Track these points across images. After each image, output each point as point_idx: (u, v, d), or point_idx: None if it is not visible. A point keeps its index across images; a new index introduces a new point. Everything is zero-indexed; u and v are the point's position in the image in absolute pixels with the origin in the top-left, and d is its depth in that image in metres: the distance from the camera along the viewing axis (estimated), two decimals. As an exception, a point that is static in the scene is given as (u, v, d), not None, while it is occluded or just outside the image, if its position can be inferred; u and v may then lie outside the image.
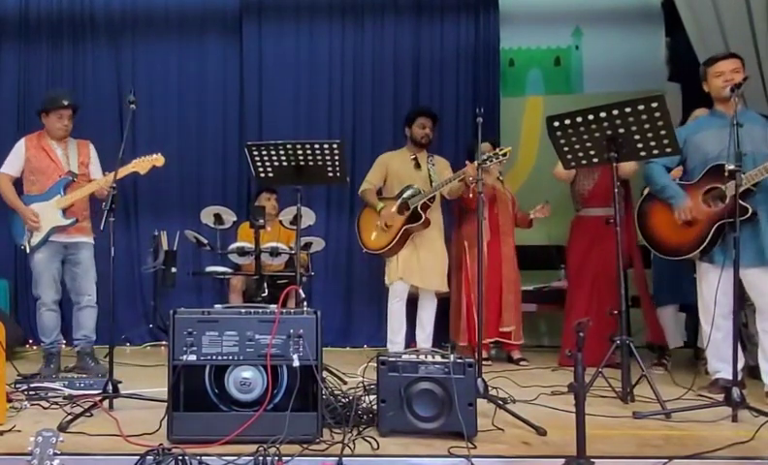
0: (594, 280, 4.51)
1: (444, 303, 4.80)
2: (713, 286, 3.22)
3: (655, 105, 3.08)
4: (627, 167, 4.14)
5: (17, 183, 4.12)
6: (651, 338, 4.50)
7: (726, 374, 3.22)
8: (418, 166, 4.56)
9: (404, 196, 4.41)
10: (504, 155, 3.93)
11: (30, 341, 5.22)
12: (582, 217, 4.67)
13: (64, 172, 4.05)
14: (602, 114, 3.15)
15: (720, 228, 3.30)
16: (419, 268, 4.43)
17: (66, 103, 4.08)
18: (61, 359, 4.16)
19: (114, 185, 3.24)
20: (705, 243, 3.35)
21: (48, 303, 4.04)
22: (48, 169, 4.04)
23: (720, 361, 3.35)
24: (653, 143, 3.20)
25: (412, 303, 4.62)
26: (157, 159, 3.87)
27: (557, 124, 3.25)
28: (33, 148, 4.07)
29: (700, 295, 3.47)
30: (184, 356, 2.42)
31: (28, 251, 4.00)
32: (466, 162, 4.14)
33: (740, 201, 3.02)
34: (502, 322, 4.64)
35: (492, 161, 3.86)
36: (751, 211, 3.23)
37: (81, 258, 4.09)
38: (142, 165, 3.85)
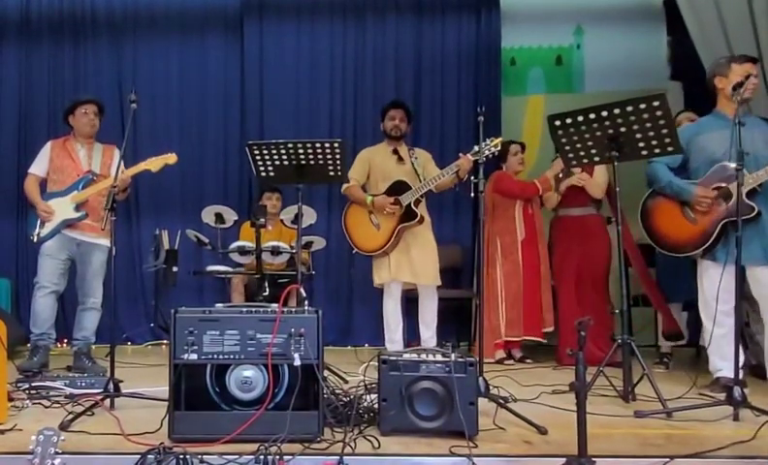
0: (578, 280, 4.55)
1: (447, 303, 4.80)
2: (714, 283, 3.22)
3: (656, 103, 3.07)
4: (598, 189, 4.48)
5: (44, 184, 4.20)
6: (668, 327, 4.44)
7: (728, 372, 3.22)
8: (401, 159, 4.48)
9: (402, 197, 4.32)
10: (496, 146, 3.88)
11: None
12: (561, 217, 4.73)
13: (83, 171, 4.09)
14: (604, 113, 3.15)
15: (725, 226, 3.32)
16: (410, 265, 4.36)
17: (87, 97, 4.20)
18: (49, 357, 4.11)
19: (116, 184, 3.27)
20: (710, 241, 3.36)
21: (44, 289, 4.02)
22: (68, 167, 4.10)
23: (722, 359, 3.35)
24: (654, 142, 3.20)
25: (413, 302, 4.61)
26: (170, 157, 3.88)
27: (558, 123, 3.25)
28: (58, 149, 4.16)
29: (701, 293, 3.47)
30: (185, 356, 2.42)
31: (36, 241, 4.03)
32: (459, 154, 4.10)
33: (746, 200, 3.02)
34: (544, 322, 4.67)
35: (484, 153, 3.82)
36: (756, 210, 3.25)
37: (93, 259, 4.09)
38: (154, 163, 3.85)
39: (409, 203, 4.29)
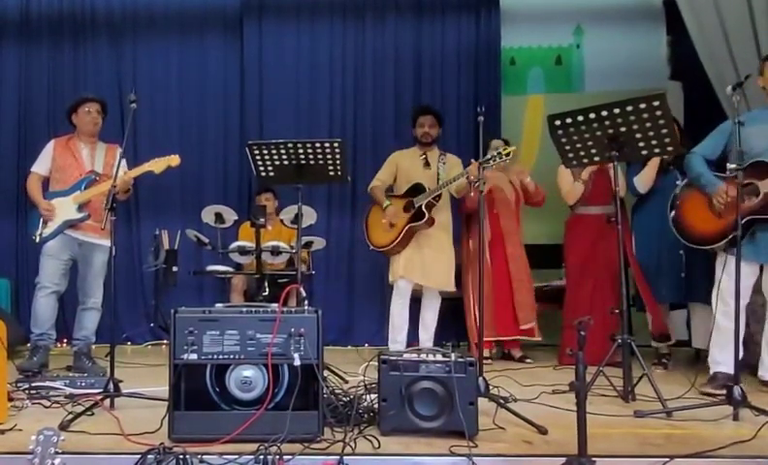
0: (597, 279, 4.51)
1: (450, 304, 4.79)
2: (734, 278, 3.21)
3: (656, 103, 3.08)
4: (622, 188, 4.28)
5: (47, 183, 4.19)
6: (658, 330, 4.45)
7: (726, 368, 3.25)
8: (427, 164, 4.55)
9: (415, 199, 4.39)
10: (508, 155, 3.86)
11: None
12: (581, 216, 4.67)
13: (86, 171, 4.08)
14: (603, 113, 3.15)
15: (750, 222, 3.33)
16: (422, 266, 4.41)
17: (90, 95, 4.22)
18: (49, 357, 4.11)
19: (116, 184, 3.27)
20: (732, 236, 3.36)
21: (45, 289, 4.01)
22: (71, 167, 4.09)
23: (722, 354, 3.35)
24: (654, 142, 3.20)
25: (415, 303, 4.62)
26: (173, 159, 3.87)
27: (558, 123, 3.26)
28: (60, 148, 4.15)
29: (717, 286, 3.45)
30: (185, 355, 2.42)
31: (38, 241, 4.02)
32: (471, 160, 4.13)
33: None
34: (520, 320, 4.65)
35: (495, 161, 3.83)
36: None
37: (94, 260, 4.08)
38: (157, 165, 3.84)
39: (420, 205, 4.34)
